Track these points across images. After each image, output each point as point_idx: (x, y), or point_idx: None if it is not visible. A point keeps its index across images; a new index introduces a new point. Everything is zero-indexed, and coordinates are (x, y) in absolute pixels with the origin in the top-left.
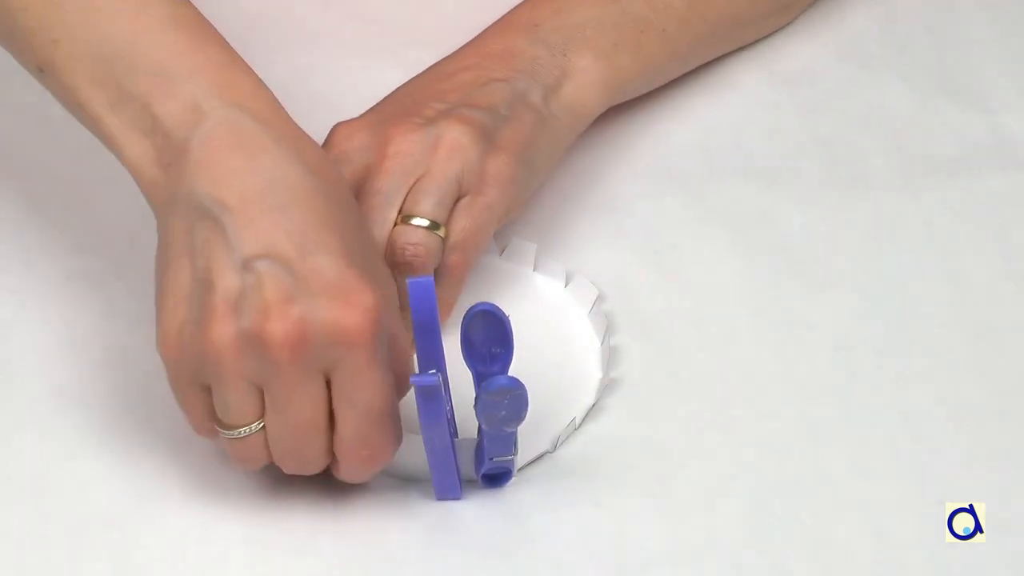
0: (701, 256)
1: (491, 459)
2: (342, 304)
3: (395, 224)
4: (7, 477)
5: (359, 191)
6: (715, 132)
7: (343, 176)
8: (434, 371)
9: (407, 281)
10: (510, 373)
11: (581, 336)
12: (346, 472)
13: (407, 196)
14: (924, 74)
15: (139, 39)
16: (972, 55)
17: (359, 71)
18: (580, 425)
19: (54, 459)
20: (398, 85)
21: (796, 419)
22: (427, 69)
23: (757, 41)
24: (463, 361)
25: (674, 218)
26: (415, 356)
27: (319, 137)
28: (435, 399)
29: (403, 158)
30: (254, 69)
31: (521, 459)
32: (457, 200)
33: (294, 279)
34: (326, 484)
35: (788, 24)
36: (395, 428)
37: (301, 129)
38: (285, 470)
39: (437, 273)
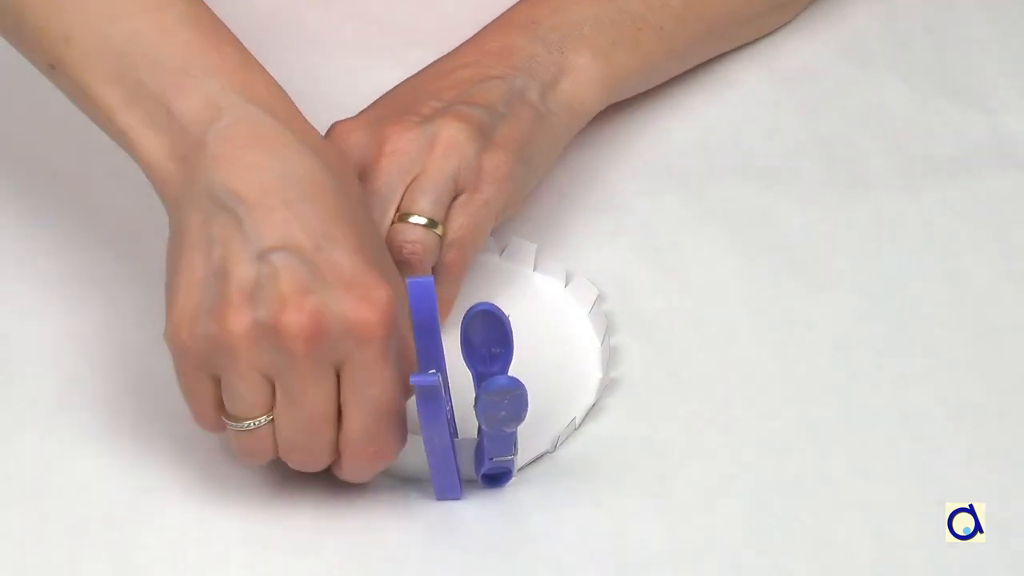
0: (701, 255)
1: (491, 459)
2: (358, 298)
3: (392, 222)
4: (7, 477)
5: None
6: (715, 131)
7: (355, 174)
8: (434, 371)
9: (407, 281)
10: (510, 373)
11: (581, 336)
12: (349, 470)
13: (404, 194)
14: (924, 74)
15: (156, 37)
16: (972, 55)
17: (359, 71)
18: (580, 425)
19: (54, 459)
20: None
21: (796, 419)
22: (425, 67)
23: (757, 39)
24: (463, 361)
25: (674, 217)
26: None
27: None
28: (435, 399)
29: (400, 156)
30: None
31: (521, 459)
32: (454, 198)
33: (310, 272)
34: (326, 484)
35: (788, 22)
36: (401, 427)
37: (314, 127)
38: (290, 464)
39: (435, 271)
